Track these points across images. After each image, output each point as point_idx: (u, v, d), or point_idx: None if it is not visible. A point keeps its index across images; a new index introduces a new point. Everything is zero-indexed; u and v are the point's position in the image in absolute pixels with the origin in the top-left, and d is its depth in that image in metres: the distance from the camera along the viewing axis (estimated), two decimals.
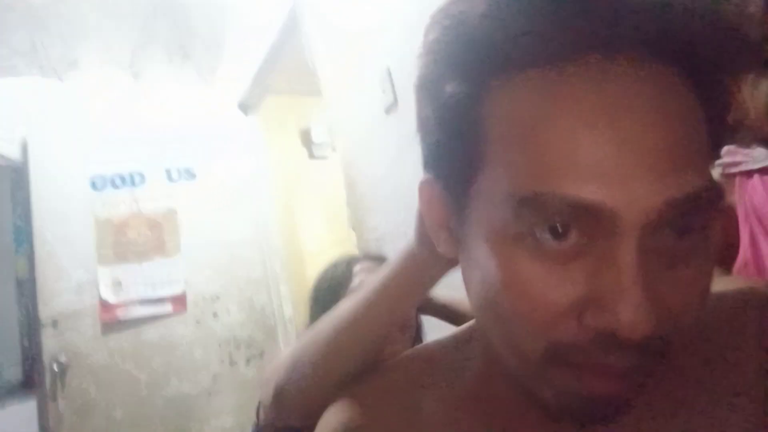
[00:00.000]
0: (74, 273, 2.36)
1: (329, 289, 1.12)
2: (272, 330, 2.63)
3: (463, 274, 0.37)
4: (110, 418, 2.25)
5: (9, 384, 2.24)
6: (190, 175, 2.67)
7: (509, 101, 0.31)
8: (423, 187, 0.39)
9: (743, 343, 0.37)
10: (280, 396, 0.62)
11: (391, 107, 1.50)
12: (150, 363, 2.37)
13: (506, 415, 0.39)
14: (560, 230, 0.29)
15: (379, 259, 1.13)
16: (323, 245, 3.00)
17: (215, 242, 2.61)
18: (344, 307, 0.57)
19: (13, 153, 2.49)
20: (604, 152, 0.28)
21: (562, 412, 0.33)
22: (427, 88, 0.35)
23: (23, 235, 2.40)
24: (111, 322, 2.36)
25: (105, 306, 2.37)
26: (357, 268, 1.10)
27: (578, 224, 0.29)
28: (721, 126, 0.33)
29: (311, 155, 2.97)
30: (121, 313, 2.38)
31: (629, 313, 0.27)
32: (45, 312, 2.28)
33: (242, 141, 2.84)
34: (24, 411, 2.23)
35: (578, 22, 0.28)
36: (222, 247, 2.62)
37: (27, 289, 2.34)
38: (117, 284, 2.41)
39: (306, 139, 2.94)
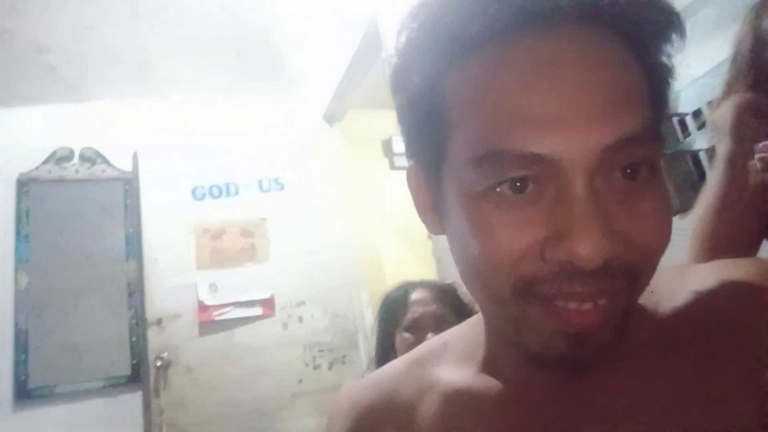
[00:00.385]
0: (176, 277, 2.56)
1: (388, 312, 1.24)
2: (353, 336, 2.70)
3: (450, 247, 0.40)
4: (204, 413, 2.41)
5: (119, 377, 2.46)
6: (279, 185, 2.81)
7: (464, 78, 0.35)
8: (408, 173, 0.44)
9: (754, 323, 0.36)
10: None
11: None
12: (240, 363, 2.51)
13: (515, 383, 0.41)
14: (518, 184, 0.33)
15: (437, 287, 1.19)
16: (402, 255, 3.04)
17: (301, 250, 2.72)
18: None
19: (126, 166, 2.75)
20: (545, 109, 0.32)
21: (548, 357, 0.36)
22: (400, 82, 0.39)
23: (133, 242, 2.64)
24: (207, 322, 2.53)
25: (202, 308, 2.54)
26: (413, 296, 1.22)
27: (532, 176, 0.33)
28: (660, 85, 0.36)
29: (392, 166, 3.02)
30: (216, 315, 2.55)
31: (582, 242, 0.31)
32: (151, 312, 2.49)
33: (327, 152, 2.95)
34: (131, 402, 2.45)
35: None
36: (307, 255, 2.73)
37: (136, 291, 2.58)
38: (213, 288, 2.58)
39: (387, 149, 3.00)
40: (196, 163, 2.74)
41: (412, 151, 0.43)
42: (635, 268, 0.33)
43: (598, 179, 0.32)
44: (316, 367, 2.60)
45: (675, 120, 1.16)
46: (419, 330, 1.19)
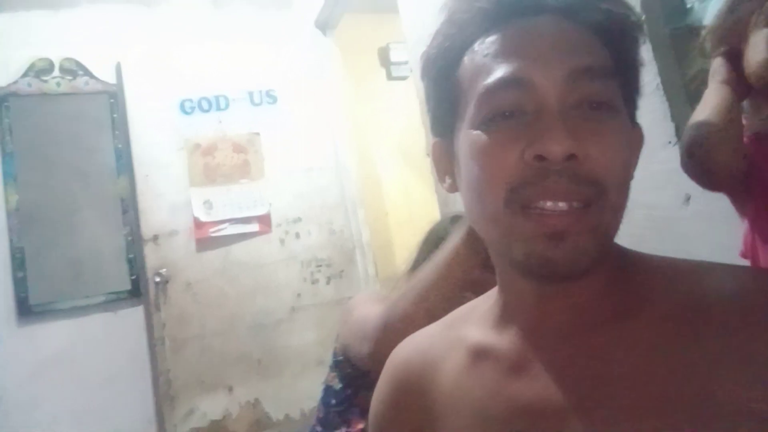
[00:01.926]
0: (170, 194, 2.52)
1: (432, 242, 1.17)
2: (350, 252, 2.70)
3: (462, 196, 0.50)
4: (205, 327, 2.46)
5: (120, 293, 2.49)
6: (272, 98, 2.70)
7: (471, 59, 0.46)
8: (433, 147, 0.54)
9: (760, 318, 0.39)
10: (377, 354, 0.78)
11: None
12: (239, 279, 2.53)
13: (528, 329, 0.48)
14: (506, 113, 0.43)
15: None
16: (401, 170, 2.98)
17: (296, 166, 2.66)
18: (425, 276, 0.81)
19: (109, 77, 2.62)
20: (523, 50, 0.43)
21: (533, 265, 0.42)
22: (428, 69, 0.51)
23: (123, 158, 2.57)
24: (204, 239, 2.52)
25: (198, 224, 2.52)
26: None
27: (516, 106, 0.42)
28: (630, 80, 0.46)
29: (389, 76, 2.88)
30: (212, 231, 2.53)
31: (551, 137, 0.40)
32: (146, 229, 2.47)
33: (320, 63, 2.80)
34: (133, 316, 2.49)
35: None
36: (302, 171, 2.67)
37: (130, 207, 2.55)
38: (208, 204, 2.55)
39: (384, 58, 2.85)
40: (183, 75, 2.61)
41: (435, 127, 0.53)
42: (600, 180, 0.41)
43: (568, 105, 0.42)
44: (314, 281, 2.62)
45: None
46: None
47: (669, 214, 0.88)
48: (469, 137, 0.45)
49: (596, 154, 0.40)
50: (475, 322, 0.54)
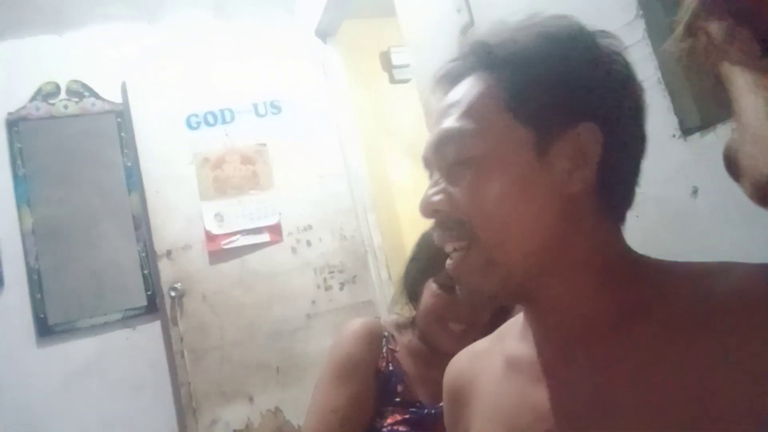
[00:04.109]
0: (181, 208, 2.54)
1: (422, 256, 1.15)
2: (363, 257, 2.71)
3: None
4: (223, 338, 2.48)
5: (137, 309, 2.52)
6: (276, 108, 2.72)
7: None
8: None
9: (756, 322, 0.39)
10: None
11: (467, 27, 1.40)
12: (254, 289, 2.55)
13: (542, 342, 0.52)
14: (430, 174, 0.54)
15: None
16: (409, 172, 2.99)
17: (304, 174, 2.68)
18: None
19: (115, 96, 2.65)
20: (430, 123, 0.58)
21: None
22: None
23: (133, 175, 2.60)
24: (216, 251, 2.54)
25: (210, 237, 2.55)
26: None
27: (428, 170, 0.55)
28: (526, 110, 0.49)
29: (392, 79, 2.89)
30: (224, 243, 2.55)
31: (421, 198, 0.52)
32: (159, 244, 2.50)
33: (322, 70, 2.82)
34: (152, 330, 2.51)
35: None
36: (311, 178, 2.68)
37: (142, 224, 2.58)
38: (219, 217, 2.57)
39: (386, 62, 2.86)
40: (188, 90, 2.64)
41: None
42: (466, 224, 0.49)
43: (442, 169, 0.52)
44: (328, 288, 2.64)
45: None
46: (452, 290, 0.86)
47: (679, 206, 0.88)
48: None
49: (457, 201, 0.50)
50: (514, 334, 0.57)
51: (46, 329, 2.37)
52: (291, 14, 2.92)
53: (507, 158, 0.48)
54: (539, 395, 0.48)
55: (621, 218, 0.51)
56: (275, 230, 2.62)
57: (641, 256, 0.50)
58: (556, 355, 0.49)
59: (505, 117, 0.49)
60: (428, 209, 0.51)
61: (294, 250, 2.62)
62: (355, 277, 2.68)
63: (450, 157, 0.50)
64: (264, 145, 2.67)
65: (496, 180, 0.48)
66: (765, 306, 0.39)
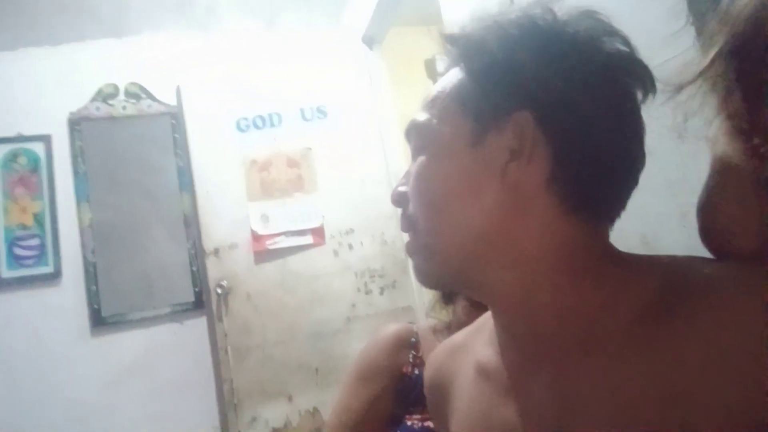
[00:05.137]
0: (229, 208, 2.62)
1: None
2: (403, 262, 2.72)
3: None
4: (265, 337, 2.54)
5: (185, 304, 2.61)
6: (322, 113, 2.77)
7: None
8: None
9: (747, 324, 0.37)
10: None
11: None
12: (296, 290, 2.60)
13: (509, 352, 0.52)
14: None
15: None
16: None
17: (348, 178, 2.71)
18: None
19: (171, 100, 2.76)
20: None
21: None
22: None
23: (185, 175, 2.70)
24: (261, 252, 2.61)
25: (256, 237, 2.61)
26: None
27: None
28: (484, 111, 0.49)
29: None
30: (269, 244, 2.62)
31: None
32: (207, 243, 2.58)
33: (368, 77, 2.85)
34: (198, 326, 2.60)
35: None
36: (354, 183, 2.72)
37: (192, 223, 2.67)
38: (265, 218, 2.64)
39: (431, 69, 2.87)
40: (238, 94, 2.72)
41: None
42: (411, 211, 0.52)
43: (412, 160, 0.54)
44: (368, 292, 2.66)
45: None
46: None
47: (693, 200, 0.85)
48: None
49: (409, 189, 0.53)
50: (485, 336, 0.57)
51: (99, 320, 2.49)
52: (338, 22, 2.97)
53: (446, 148, 0.50)
54: (508, 410, 0.48)
55: (598, 216, 0.47)
56: (318, 233, 2.66)
57: (624, 254, 0.47)
58: (521, 362, 0.49)
59: (454, 108, 0.50)
60: (393, 197, 0.55)
61: (336, 253, 2.66)
62: (395, 282, 2.69)
63: (411, 147, 0.55)
64: (309, 148, 2.72)
65: (434, 169, 0.51)
66: (734, 300, 0.37)
